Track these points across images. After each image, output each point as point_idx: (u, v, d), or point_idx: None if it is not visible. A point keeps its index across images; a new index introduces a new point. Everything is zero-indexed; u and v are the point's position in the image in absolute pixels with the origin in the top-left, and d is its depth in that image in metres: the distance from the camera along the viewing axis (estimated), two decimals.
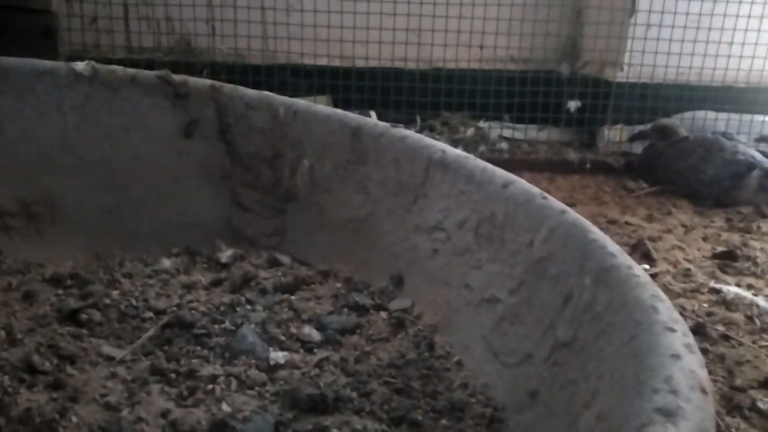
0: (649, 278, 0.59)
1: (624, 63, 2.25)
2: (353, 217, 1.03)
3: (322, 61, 2.34)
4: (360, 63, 2.35)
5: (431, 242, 0.93)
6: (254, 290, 0.89)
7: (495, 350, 0.73)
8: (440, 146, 0.97)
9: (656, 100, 2.22)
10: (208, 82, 1.10)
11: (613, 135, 2.22)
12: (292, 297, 0.87)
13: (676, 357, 0.44)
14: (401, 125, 1.05)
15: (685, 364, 0.43)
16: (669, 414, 0.37)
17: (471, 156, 0.94)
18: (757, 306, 1.11)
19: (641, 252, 1.35)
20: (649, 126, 2.06)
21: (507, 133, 2.41)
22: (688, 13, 2.18)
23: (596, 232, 0.69)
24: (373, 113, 2.27)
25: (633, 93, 2.22)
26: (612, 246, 0.66)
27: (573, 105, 2.23)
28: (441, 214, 0.93)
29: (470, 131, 2.44)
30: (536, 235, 0.77)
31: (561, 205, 0.77)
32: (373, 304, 0.87)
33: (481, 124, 2.44)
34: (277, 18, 2.32)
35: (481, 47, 2.22)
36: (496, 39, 2.28)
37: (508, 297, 0.77)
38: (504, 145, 2.33)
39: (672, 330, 0.48)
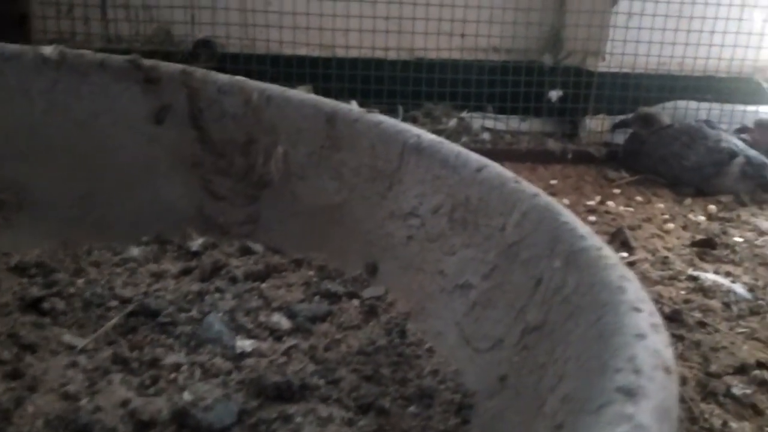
0: (618, 259, 0.58)
1: (606, 52, 2.25)
2: (328, 204, 1.01)
3: (302, 50, 2.32)
4: (340, 52, 2.33)
5: (406, 229, 0.91)
6: (224, 278, 0.88)
7: (467, 336, 0.72)
8: (415, 131, 0.96)
9: (638, 90, 2.21)
10: (179, 66, 1.07)
11: (595, 125, 2.22)
12: (263, 285, 0.85)
13: (641, 336, 0.43)
14: (377, 110, 1.03)
15: (650, 344, 0.42)
16: (630, 393, 0.36)
17: (445, 141, 0.93)
18: (735, 293, 1.11)
19: (620, 240, 1.35)
20: (631, 115, 2.05)
21: (489, 123, 2.40)
22: (669, 2, 2.17)
23: (567, 215, 0.68)
24: (354, 103, 2.25)
25: (615, 83, 2.22)
26: (582, 228, 0.65)
27: (555, 95, 2.22)
28: (416, 199, 0.92)
29: (452, 122, 2.43)
30: (509, 219, 0.75)
31: (533, 189, 0.76)
32: (346, 291, 0.85)
33: (464, 114, 2.42)
34: (256, 5, 2.30)
35: (462, 36, 2.20)
36: (478, 28, 2.26)
37: (481, 282, 0.76)
38: (486, 135, 2.33)
39: (638, 310, 0.47)
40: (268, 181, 1.05)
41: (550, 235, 0.67)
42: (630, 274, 0.56)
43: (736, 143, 1.83)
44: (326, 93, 2.32)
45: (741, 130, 2.02)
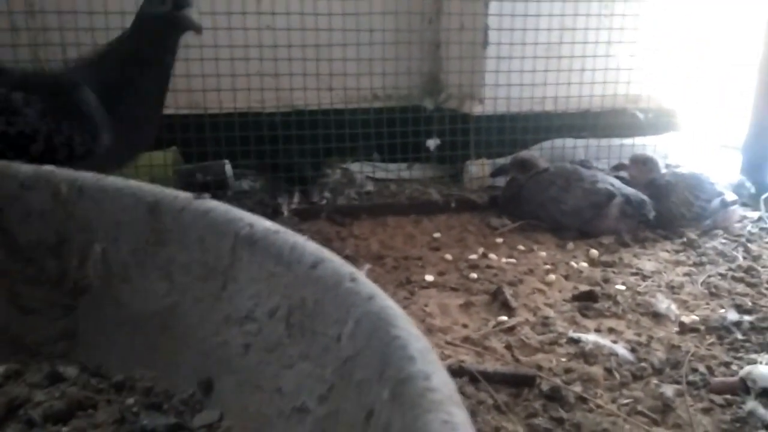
0: (448, 392, 0.49)
1: (483, 96, 2.23)
2: (157, 310, 0.87)
3: (170, 112, 2.17)
4: (213, 110, 2.20)
5: (243, 336, 0.79)
6: (21, 421, 0.72)
7: None
8: (248, 220, 0.84)
9: (515, 132, 2.20)
10: None
11: (477, 170, 2.19)
12: (65, 428, 0.70)
13: None
14: (207, 195, 0.91)
15: None
16: None
17: (282, 230, 0.81)
18: (617, 355, 1.05)
19: (500, 301, 1.27)
20: (509, 159, 2.03)
21: (374, 172, 2.33)
22: (536, 44, 2.19)
23: (401, 326, 0.58)
24: (227, 164, 2.11)
25: (492, 126, 2.20)
26: (414, 344, 0.55)
27: (432, 144, 2.17)
28: (251, 301, 0.80)
29: (336, 174, 2.34)
30: (344, 327, 0.65)
31: (369, 290, 0.65)
32: (171, 424, 0.72)
33: (348, 165, 2.34)
34: None
35: (331, 89, 2.12)
36: (357, 79, 2.20)
37: (317, 406, 0.64)
38: (371, 186, 2.25)
39: None
40: (85, 287, 0.90)
41: (381, 352, 0.57)
42: (457, 415, 0.46)
43: (613, 182, 1.82)
44: (201, 155, 2.17)
45: (618, 167, 2.03)
